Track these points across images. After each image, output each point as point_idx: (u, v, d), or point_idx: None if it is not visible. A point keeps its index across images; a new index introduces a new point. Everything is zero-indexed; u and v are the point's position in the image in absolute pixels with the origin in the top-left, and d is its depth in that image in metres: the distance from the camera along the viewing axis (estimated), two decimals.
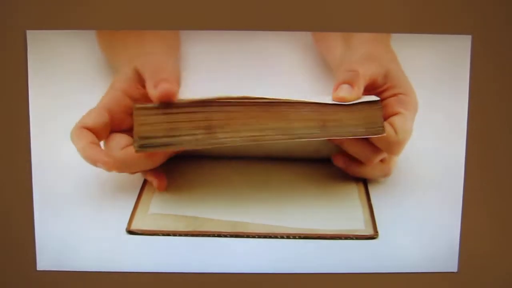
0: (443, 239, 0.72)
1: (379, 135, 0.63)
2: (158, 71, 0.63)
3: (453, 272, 0.73)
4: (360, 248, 0.67)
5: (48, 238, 0.70)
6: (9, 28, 0.67)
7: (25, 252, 0.70)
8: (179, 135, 0.61)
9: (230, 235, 0.65)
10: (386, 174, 0.69)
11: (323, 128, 0.62)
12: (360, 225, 0.66)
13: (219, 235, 0.65)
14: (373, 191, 0.72)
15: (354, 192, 0.70)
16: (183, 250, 0.66)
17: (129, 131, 0.66)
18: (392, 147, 0.65)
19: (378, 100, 0.63)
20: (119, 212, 0.69)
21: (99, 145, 0.65)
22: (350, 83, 0.63)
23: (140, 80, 0.66)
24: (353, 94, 0.63)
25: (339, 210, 0.68)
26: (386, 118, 0.65)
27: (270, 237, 0.65)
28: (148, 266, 0.68)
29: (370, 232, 0.66)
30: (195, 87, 0.69)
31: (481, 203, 0.73)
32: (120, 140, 0.65)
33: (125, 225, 0.67)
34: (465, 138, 0.71)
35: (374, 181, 0.73)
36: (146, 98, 0.65)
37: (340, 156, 0.68)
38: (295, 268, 0.68)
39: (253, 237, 0.65)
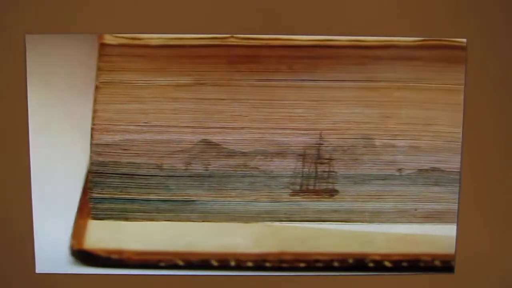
0: (440, 240, 0.73)
1: None
2: None
3: (450, 274, 0.73)
4: None
5: (47, 241, 0.71)
6: (8, 32, 0.68)
7: (24, 255, 0.71)
8: None
9: None
10: None
11: None
12: None
13: None
14: None
15: None
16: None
17: None
18: None
19: None
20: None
21: None
22: None
23: None
24: None
25: None
26: None
27: None
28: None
29: None
30: None
31: (477, 206, 0.73)
32: None
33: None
34: (461, 139, 0.71)
35: None
36: None
37: None
38: None
39: None
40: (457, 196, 0.73)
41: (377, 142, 0.71)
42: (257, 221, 0.72)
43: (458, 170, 0.72)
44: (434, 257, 0.74)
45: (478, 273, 0.73)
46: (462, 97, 0.71)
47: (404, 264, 0.73)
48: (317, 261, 0.73)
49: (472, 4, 0.69)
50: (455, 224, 0.73)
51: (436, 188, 0.73)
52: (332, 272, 0.72)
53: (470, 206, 0.72)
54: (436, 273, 0.73)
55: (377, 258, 0.73)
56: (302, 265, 0.73)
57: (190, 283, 0.72)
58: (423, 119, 0.71)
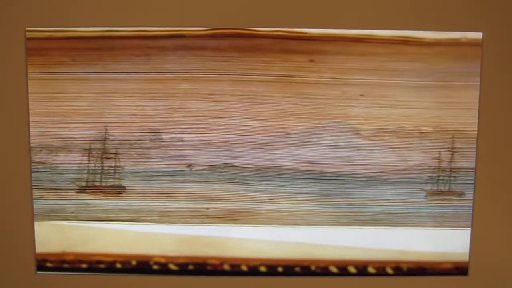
0: (454, 243, 0.70)
1: None
2: None
3: (464, 276, 0.71)
4: None
5: (48, 242, 0.70)
6: (8, 25, 0.67)
7: (25, 256, 0.71)
8: None
9: None
10: None
11: None
12: None
13: None
14: None
15: None
16: None
17: None
18: None
19: None
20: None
21: None
22: None
23: None
24: None
25: None
26: None
27: None
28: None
29: None
30: None
31: (492, 206, 0.70)
32: None
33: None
34: (476, 135, 0.69)
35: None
36: None
37: None
38: None
39: None
40: (253, 194, 0.68)
41: (165, 136, 0.68)
42: (42, 220, 0.69)
43: (253, 167, 0.67)
44: (223, 261, 0.69)
45: (492, 276, 0.71)
46: (258, 88, 0.66)
47: (191, 267, 0.69)
48: (99, 262, 0.69)
49: None
50: (251, 225, 0.68)
51: (230, 186, 0.68)
52: (113, 274, 0.69)
53: (485, 208, 0.70)
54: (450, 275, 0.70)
55: (162, 260, 0.69)
56: (84, 266, 0.69)
57: None
58: (213, 111, 0.67)
